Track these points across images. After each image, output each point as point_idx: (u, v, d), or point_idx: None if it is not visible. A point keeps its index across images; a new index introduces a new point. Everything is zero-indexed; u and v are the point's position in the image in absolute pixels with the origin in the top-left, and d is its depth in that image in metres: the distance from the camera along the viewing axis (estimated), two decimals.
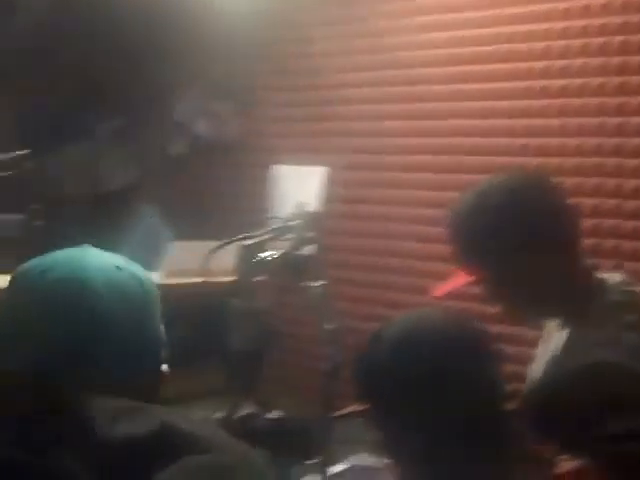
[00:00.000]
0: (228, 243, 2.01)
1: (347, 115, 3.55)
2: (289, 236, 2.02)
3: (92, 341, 1.18)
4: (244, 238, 2.00)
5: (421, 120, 3.30)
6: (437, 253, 2.98)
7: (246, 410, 1.88)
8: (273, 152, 3.68)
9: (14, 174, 2.15)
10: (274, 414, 1.90)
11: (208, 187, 4.03)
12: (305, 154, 3.55)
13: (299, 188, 3.34)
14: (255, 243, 1.98)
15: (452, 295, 1.98)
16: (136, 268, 1.29)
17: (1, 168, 2.12)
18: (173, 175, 4.01)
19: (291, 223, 2.04)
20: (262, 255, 1.97)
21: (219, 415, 1.87)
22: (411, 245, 3.31)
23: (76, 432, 1.06)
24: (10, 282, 1.26)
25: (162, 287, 1.35)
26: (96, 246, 1.30)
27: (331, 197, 3.32)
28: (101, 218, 3.87)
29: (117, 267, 1.26)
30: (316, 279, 1.96)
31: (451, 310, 1.69)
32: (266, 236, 2.01)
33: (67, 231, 2.33)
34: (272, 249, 2.00)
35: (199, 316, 2.44)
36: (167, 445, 1.05)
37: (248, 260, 1.95)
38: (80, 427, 1.06)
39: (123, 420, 1.08)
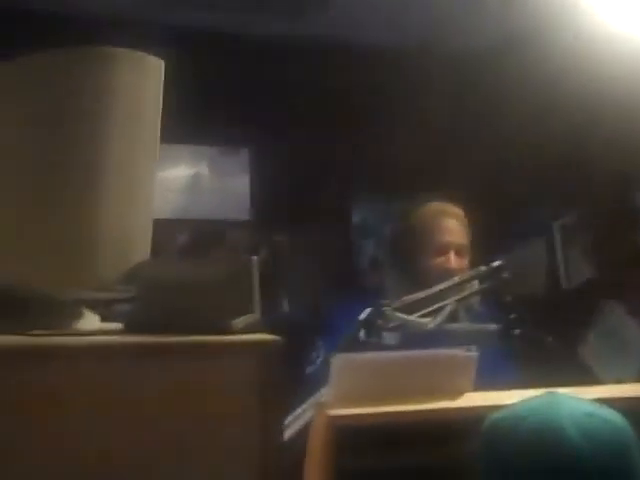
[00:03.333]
0: None
1: None
2: None
3: None
4: None
5: None
6: None
7: None
8: None
9: (493, 285, 2.12)
10: None
11: None
12: None
13: None
14: None
15: None
16: (608, 412, 1.24)
17: (482, 278, 2.09)
18: (635, 267, 3.79)
19: None
20: None
21: None
22: None
23: None
24: (486, 429, 1.27)
25: None
26: None
27: None
28: (561, 316, 3.79)
29: (588, 414, 1.22)
30: None
31: None
32: None
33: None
34: None
35: None
36: None
37: None
38: None
39: None
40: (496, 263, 2.13)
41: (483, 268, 2.09)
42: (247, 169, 4.07)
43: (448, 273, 2.26)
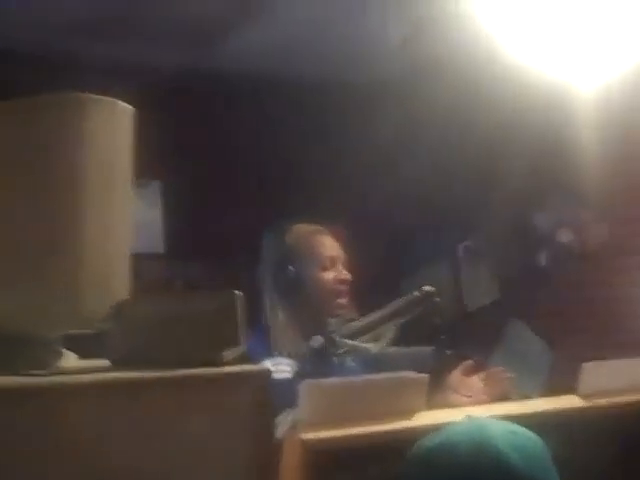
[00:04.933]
0: None
1: None
2: None
3: None
4: None
5: None
6: None
7: None
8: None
9: (422, 310, 2.23)
10: None
11: (574, 296, 3.96)
12: None
13: None
14: None
15: None
16: (523, 429, 1.32)
17: (413, 306, 2.20)
18: (536, 287, 3.99)
19: None
20: None
21: None
22: None
23: None
24: (421, 456, 1.32)
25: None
26: None
27: None
28: (468, 335, 3.94)
29: (512, 432, 1.30)
30: None
31: None
32: None
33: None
34: None
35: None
36: None
37: None
38: None
39: None
40: (427, 288, 2.24)
41: (416, 293, 2.20)
42: (158, 202, 4.10)
43: (343, 285, 2.36)
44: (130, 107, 1.46)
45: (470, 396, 2.16)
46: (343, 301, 2.36)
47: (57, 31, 3.69)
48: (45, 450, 1.18)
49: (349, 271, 2.40)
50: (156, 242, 4.04)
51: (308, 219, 2.49)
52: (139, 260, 4.22)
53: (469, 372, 2.24)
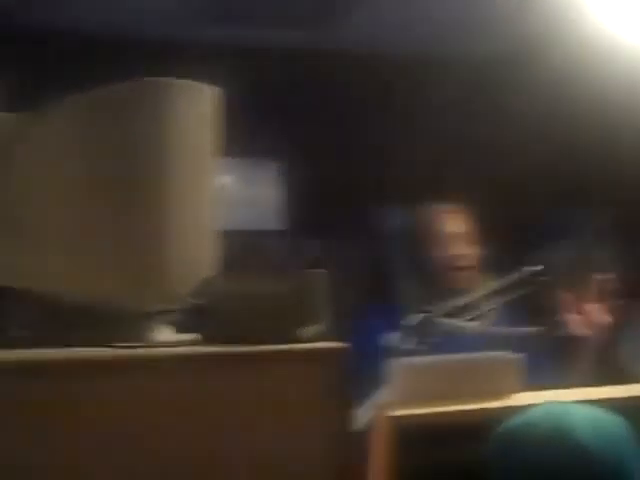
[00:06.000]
0: None
1: None
2: None
3: None
4: None
5: None
6: None
7: None
8: None
9: (529, 290, 2.19)
10: None
11: None
12: None
13: None
14: None
15: None
16: (611, 416, 1.30)
17: (519, 285, 2.16)
18: None
19: None
20: None
21: None
22: None
23: None
24: (501, 436, 1.32)
25: None
26: None
27: None
28: None
29: (595, 418, 1.28)
30: None
31: None
32: None
33: None
34: None
35: None
36: None
37: None
38: None
39: None
40: (536, 267, 2.20)
41: (523, 273, 2.17)
42: (279, 181, 4.16)
43: (459, 260, 2.39)
44: (217, 88, 1.49)
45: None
46: (461, 275, 2.38)
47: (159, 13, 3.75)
48: (138, 421, 1.24)
49: (475, 248, 2.42)
50: (278, 220, 4.10)
51: (435, 200, 2.54)
52: (261, 236, 4.30)
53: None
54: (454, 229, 2.46)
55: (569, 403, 1.33)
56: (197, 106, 1.42)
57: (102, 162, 1.40)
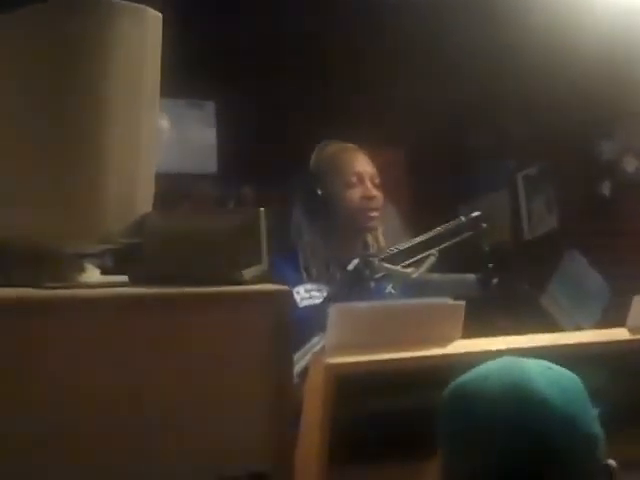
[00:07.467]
0: None
1: None
2: None
3: (550, 439, 1.19)
4: None
5: None
6: None
7: None
8: None
9: (468, 237, 2.16)
10: None
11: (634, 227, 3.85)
12: None
13: None
14: None
15: None
16: (559, 367, 1.28)
17: (458, 231, 2.13)
18: (597, 217, 3.88)
19: None
20: None
21: None
22: None
23: None
24: (451, 392, 1.28)
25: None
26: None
27: None
28: (523, 265, 3.87)
29: (547, 367, 1.26)
30: None
31: None
32: None
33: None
34: None
35: None
36: None
37: None
38: None
39: None
40: (475, 214, 2.17)
41: (463, 219, 2.13)
42: (213, 122, 4.05)
43: (371, 202, 2.30)
44: (160, 15, 1.40)
45: None
46: (372, 219, 2.32)
47: None
48: (63, 361, 1.18)
49: (378, 188, 2.35)
50: (210, 162, 4.01)
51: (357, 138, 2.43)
52: (191, 180, 4.21)
53: None
54: (361, 168, 2.35)
55: (521, 357, 1.31)
56: (141, 31, 1.33)
57: (36, 88, 1.31)
